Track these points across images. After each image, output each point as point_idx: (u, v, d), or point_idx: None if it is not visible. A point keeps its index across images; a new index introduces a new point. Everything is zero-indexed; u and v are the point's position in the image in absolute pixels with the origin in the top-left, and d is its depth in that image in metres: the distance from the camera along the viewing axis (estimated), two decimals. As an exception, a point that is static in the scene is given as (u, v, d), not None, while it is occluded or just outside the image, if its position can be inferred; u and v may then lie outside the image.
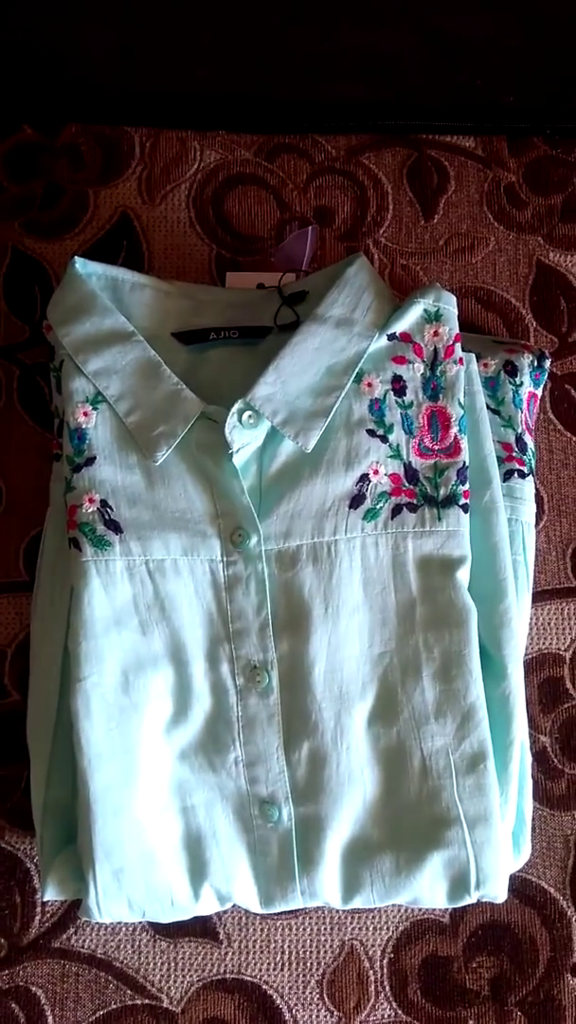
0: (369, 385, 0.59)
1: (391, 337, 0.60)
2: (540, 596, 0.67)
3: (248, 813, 0.59)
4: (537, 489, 0.66)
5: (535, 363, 0.64)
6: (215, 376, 0.63)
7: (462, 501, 0.59)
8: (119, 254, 0.71)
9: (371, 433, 0.59)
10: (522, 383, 0.64)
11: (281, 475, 0.58)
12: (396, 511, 0.59)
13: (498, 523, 0.60)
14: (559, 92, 0.73)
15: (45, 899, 0.61)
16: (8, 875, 0.64)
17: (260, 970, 0.64)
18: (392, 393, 0.59)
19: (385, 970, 0.64)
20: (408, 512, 0.59)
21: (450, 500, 0.59)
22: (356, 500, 0.58)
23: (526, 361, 0.64)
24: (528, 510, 0.63)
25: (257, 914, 0.63)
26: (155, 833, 0.58)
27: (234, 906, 0.60)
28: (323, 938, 0.64)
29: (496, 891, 0.58)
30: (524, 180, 0.74)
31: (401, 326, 0.60)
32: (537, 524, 0.66)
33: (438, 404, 0.60)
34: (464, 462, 0.59)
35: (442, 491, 0.59)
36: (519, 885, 0.64)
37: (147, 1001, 0.63)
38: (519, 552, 0.62)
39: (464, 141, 0.74)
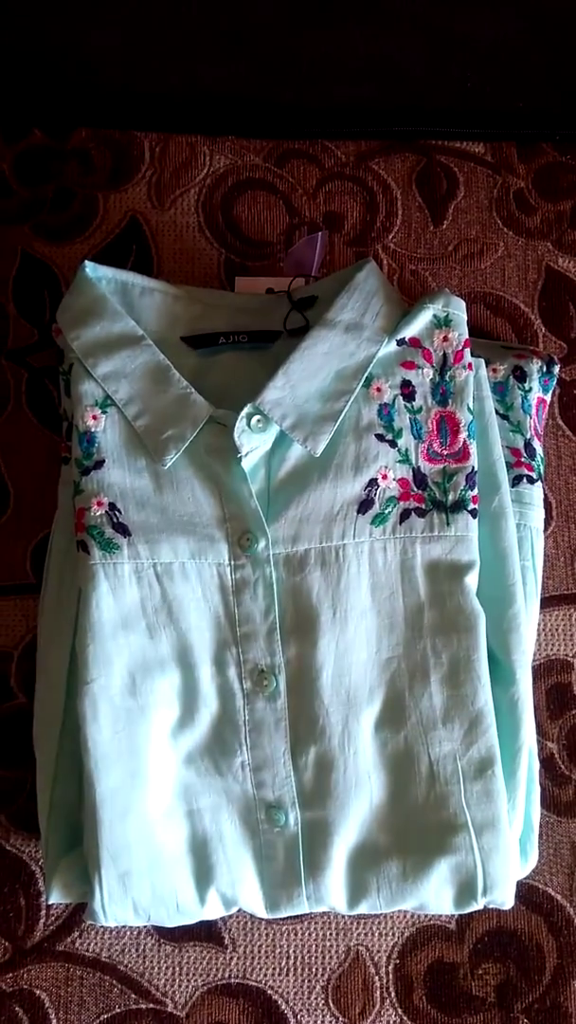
0: (378, 390, 0.59)
1: (400, 342, 0.60)
2: (548, 602, 0.67)
3: (254, 818, 0.59)
4: (546, 494, 0.66)
5: (544, 368, 0.64)
6: (224, 380, 0.63)
7: (471, 506, 0.59)
8: (128, 258, 0.71)
9: (380, 438, 0.59)
10: (531, 388, 0.64)
11: (290, 479, 0.59)
12: (405, 516, 0.59)
13: (507, 528, 0.60)
14: (568, 98, 0.73)
15: (50, 902, 0.61)
16: (13, 878, 0.64)
17: (265, 975, 0.64)
18: (401, 398, 0.59)
19: (391, 976, 0.63)
20: (417, 517, 0.59)
21: (459, 505, 0.59)
22: (364, 505, 0.58)
23: (535, 366, 0.64)
24: (537, 515, 0.63)
25: (262, 919, 0.63)
26: (161, 837, 0.58)
27: (239, 911, 0.60)
28: (329, 943, 0.64)
29: (503, 897, 0.57)
30: (533, 186, 0.74)
31: (410, 331, 0.60)
32: (545, 529, 0.66)
33: (447, 409, 0.60)
34: (473, 467, 0.59)
35: (451, 496, 0.59)
36: (526, 892, 0.64)
37: (151, 1005, 0.63)
38: (528, 558, 0.62)
39: (473, 147, 0.74)
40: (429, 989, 0.63)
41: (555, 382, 0.66)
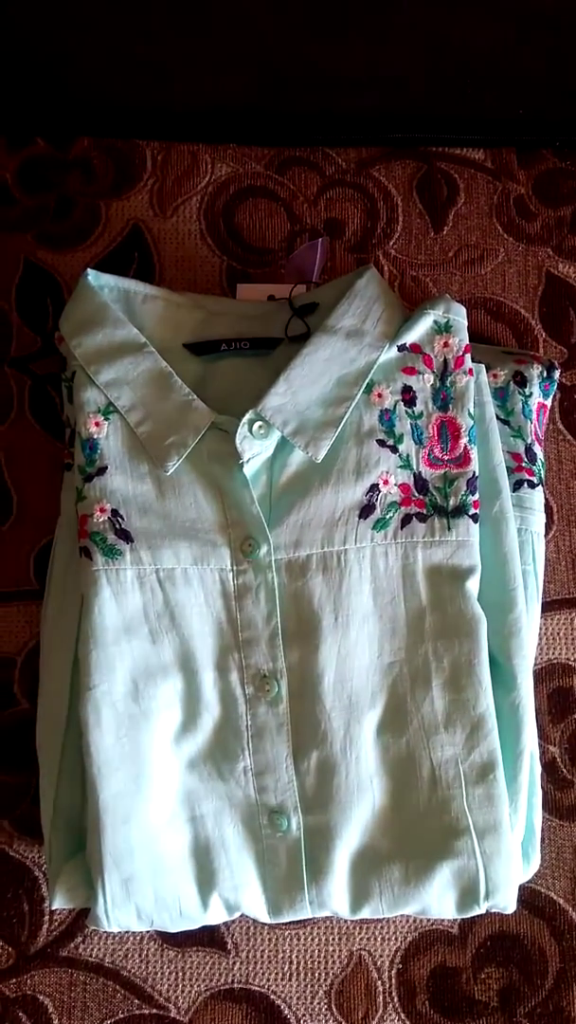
0: (379, 396, 0.60)
1: (401, 348, 0.60)
2: (550, 606, 0.67)
3: (257, 822, 0.59)
4: (547, 499, 0.67)
5: (544, 374, 0.65)
6: (226, 387, 0.63)
7: (472, 511, 0.59)
8: (131, 266, 0.72)
9: (381, 443, 0.59)
10: (531, 393, 0.64)
11: (291, 485, 0.59)
12: (406, 521, 0.59)
13: (508, 533, 0.60)
14: (568, 104, 0.73)
15: (53, 907, 0.61)
16: (16, 883, 0.64)
17: (268, 980, 0.64)
18: (402, 403, 0.60)
19: (393, 981, 0.63)
20: (418, 522, 0.59)
21: (460, 510, 0.59)
22: (366, 510, 0.59)
23: (535, 372, 0.64)
24: (538, 520, 0.63)
25: (265, 924, 0.63)
26: (164, 842, 0.58)
27: (242, 916, 0.60)
28: (331, 948, 0.64)
29: (505, 902, 0.58)
30: (533, 192, 0.74)
31: (411, 337, 0.60)
32: (547, 534, 0.66)
33: (448, 414, 0.60)
34: (474, 472, 0.59)
35: (452, 501, 0.59)
36: (528, 896, 0.64)
37: (155, 1010, 0.63)
38: (529, 562, 0.62)
39: (473, 153, 0.74)
40: (432, 994, 0.63)
41: (556, 387, 0.66)
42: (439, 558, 0.59)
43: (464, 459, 0.59)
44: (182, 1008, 0.63)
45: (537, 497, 0.64)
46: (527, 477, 0.63)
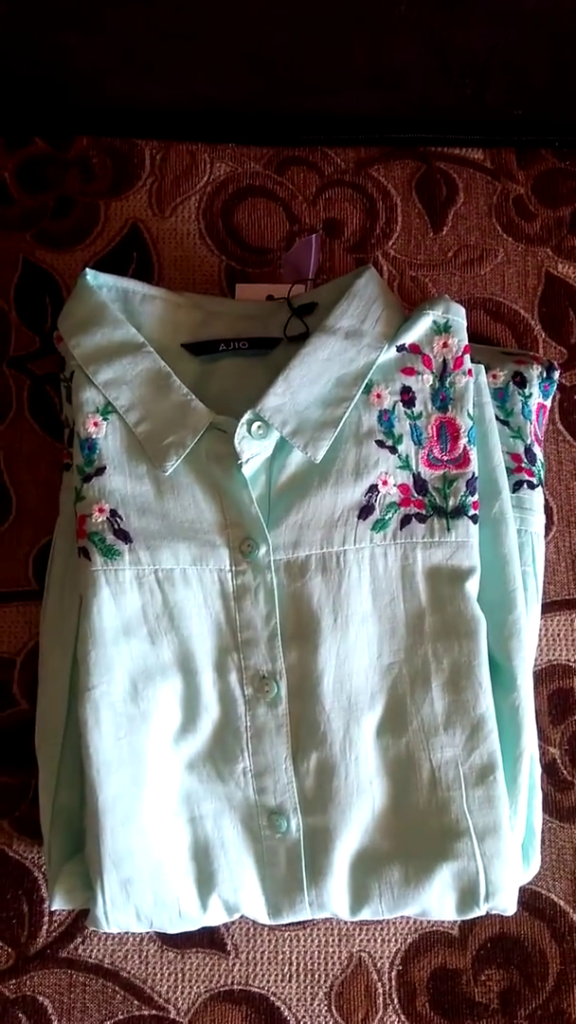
0: (378, 396, 0.59)
1: (400, 348, 0.60)
2: (549, 607, 0.67)
3: (256, 824, 0.59)
4: (546, 500, 0.66)
5: (544, 374, 0.64)
6: (225, 387, 0.63)
7: (471, 512, 0.59)
8: (129, 266, 0.72)
9: (380, 444, 0.59)
10: (531, 394, 0.64)
11: (290, 485, 0.59)
12: (405, 521, 0.59)
13: (507, 534, 0.60)
14: (567, 104, 0.73)
15: (53, 908, 0.61)
16: (16, 884, 0.64)
17: (268, 981, 0.63)
18: (401, 404, 0.60)
19: (393, 982, 0.63)
20: (417, 523, 0.59)
21: (459, 511, 0.59)
22: (365, 510, 0.58)
23: (535, 372, 0.64)
24: (537, 521, 0.63)
25: (265, 925, 0.63)
26: (163, 843, 0.58)
27: (242, 917, 0.60)
28: (331, 950, 0.64)
29: (505, 903, 0.57)
30: (533, 192, 0.74)
31: (410, 337, 0.60)
32: (546, 535, 0.66)
33: (447, 415, 0.60)
34: (473, 473, 0.59)
35: (451, 502, 0.59)
36: (529, 898, 0.64)
37: (154, 1012, 0.63)
38: (528, 563, 0.62)
39: (473, 153, 0.74)
40: (432, 996, 0.63)
41: (555, 387, 0.66)
42: (438, 559, 0.58)
43: (463, 460, 0.59)
44: (182, 1009, 0.63)
45: (537, 498, 0.64)
46: (527, 478, 0.63)
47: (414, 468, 0.59)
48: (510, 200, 0.73)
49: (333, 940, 0.64)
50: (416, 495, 0.59)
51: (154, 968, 0.64)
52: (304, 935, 0.64)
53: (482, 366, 0.62)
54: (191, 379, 0.61)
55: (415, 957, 0.64)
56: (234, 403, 0.58)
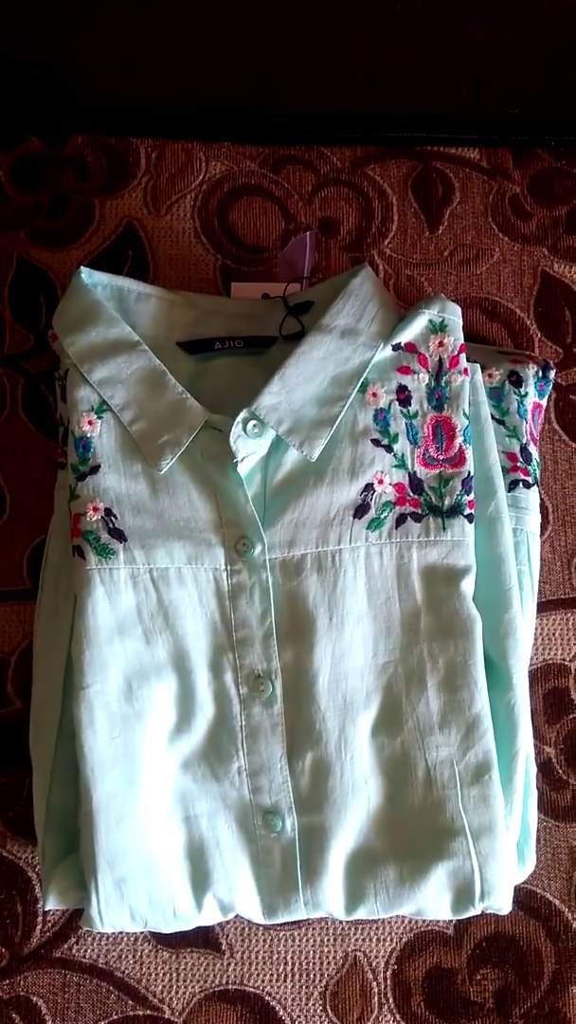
0: (374, 395, 0.59)
1: (396, 347, 0.60)
2: (545, 607, 0.67)
3: (251, 823, 0.59)
4: (542, 499, 0.67)
5: (540, 374, 0.64)
6: (220, 386, 0.63)
7: (467, 511, 0.59)
8: (124, 264, 0.71)
9: (376, 443, 0.59)
10: (527, 393, 0.64)
11: (285, 484, 0.59)
12: (401, 520, 0.59)
13: (503, 533, 0.60)
14: (563, 104, 0.73)
15: (46, 908, 0.61)
16: (9, 884, 0.64)
17: (263, 981, 0.63)
18: (397, 403, 0.60)
19: (389, 982, 0.63)
20: (413, 522, 0.59)
21: (455, 510, 0.59)
22: (360, 509, 0.58)
23: (531, 372, 0.64)
24: (533, 520, 0.63)
25: (260, 925, 0.62)
26: (158, 842, 0.58)
27: (237, 916, 0.60)
28: (326, 949, 0.64)
29: (501, 902, 0.57)
30: (529, 192, 0.74)
31: (406, 336, 0.60)
32: (542, 534, 0.66)
33: (443, 414, 0.60)
34: (469, 472, 0.59)
35: (447, 501, 0.59)
36: (524, 897, 0.64)
37: (149, 1012, 0.63)
38: (524, 562, 0.62)
39: (469, 153, 0.74)
40: (427, 995, 0.63)
41: (551, 387, 0.66)
42: (434, 558, 0.58)
43: (459, 459, 0.59)
44: (176, 1009, 0.63)
45: (532, 497, 0.64)
46: (522, 477, 0.63)
47: (410, 467, 0.59)
48: (506, 199, 0.74)
49: (328, 940, 0.64)
50: (412, 494, 0.59)
51: (149, 968, 0.63)
52: (299, 935, 0.64)
53: (478, 365, 0.62)
54: (186, 378, 0.61)
55: (410, 956, 0.64)
56: (229, 402, 0.58)
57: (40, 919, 0.64)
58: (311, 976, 0.63)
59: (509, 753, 0.58)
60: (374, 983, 0.63)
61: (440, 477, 0.59)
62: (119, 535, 0.58)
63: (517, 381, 0.64)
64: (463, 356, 0.60)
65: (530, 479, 0.63)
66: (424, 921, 0.64)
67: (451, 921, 0.64)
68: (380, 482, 0.59)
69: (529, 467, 0.63)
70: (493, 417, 0.63)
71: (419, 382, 0.60)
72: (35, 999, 0.63)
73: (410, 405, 0.60)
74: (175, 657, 0.58)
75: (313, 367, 0.58)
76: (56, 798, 0.59)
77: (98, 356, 0.59)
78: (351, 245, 0.72)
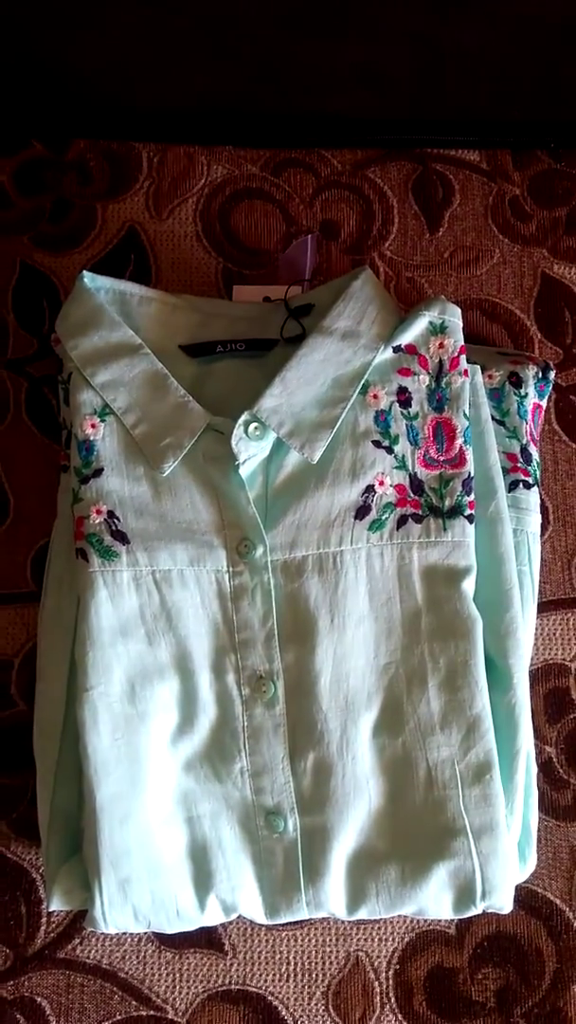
0: (375, 397, 0.60)
1: (396, 349, 0.60)
2: (545, 607, 0.67)
3: (253, 823, 0.59)
4: (542, 500, 0.67)
5: (540, 375, 0.65)
6: (222, 388, 0.63)
7: (467, 512, 0.59)
8: (127, 268, 0.72)
9: (376, 444, 0.59)
10: (527, 394, 0.64)
11: (287, 486, 0.59)
12: (401, 522, 0.59)
13: (503, 533, 0.60)
14: (562, 106, 0.74)
15: (50, 909, 0.61)
16: (14, 885, 0.64)
17: (265, 981, 0.64)
18: (397, 404, 0.60)
19: (391, 981, 0.63)
20: (413, 523, 0.59)
21: (455, 511, 0.59)
22: (362, 511, 0.59)
23: (531, 373, 0.64)
24: (533, 520, 0.63)
25: (262, 925, 0.63)
26: (161, 843, 0.58)
27: (239, 917, 0.60)
28: (328, 949, 0.64)
29: (502, 902, 0.58)
30: (528, 193, 0.74)
31: (406, 338, 0.60)
32: (542, 534, 0.66)
33: (443, 415, 0.60)
34: (469, 473, 0.59)
35: (447, 502, 0.59)
36: (525, 896, 0.64)
37: (152, 1012, 0.63)
38: (524, 562, 0.62)
39: (469, 155, 0.74)
40: (429, 994, 0.63)
41: (551, 388, 0.66)
42: (435, 559, 0.59)
43: (460, 460, 0.59)
44: (179, 1009, 0.63)
45: (533, 498, 0.64)
46: (523, 478, 0.63)
47: (410, 468, 0.59)
48: (506, 201, 0.74)
49: (330, 939, 0.64)
50: (412, 495, 0.59)
51: (152, 968, 0.64)
52: (301, 935, 0.64)
53: (478, 366, 0.62)
54: (188, 381, 0.61)
55: (412, 956, 0.64)
56: (231, 404, 0.59)
57: (44, 920, 0.64)
58: (313, 976, 0.64)
59: (510, 753, 0.58)
60: (376, 983, 0.64)
61: (441, 478, 0.59)
62: (122, 537, 0.58)
63: (517, 382, 0.64)
64: (463, 357, 0.60)
65: (530, 480, 0.64)
66: (426, 921, 0.64)
67: (452, 921, 0.64)
68: (381, 483, 0.59)
69: (529, 468, 0.64)
70: (493, 418, 0.63)
71: (419, 384, 0.60)
72: (39, 1000, 0.63)
73: (410, 406, 0.60)
74: (178, 658, 0.59)
75: (314, 369, 0.59)
76: (60, 799, 0.59)
77: (101, 360, 0.59)
78: (352, 247, 0.73)
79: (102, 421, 0.59)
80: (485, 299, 0.72)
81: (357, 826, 0.58)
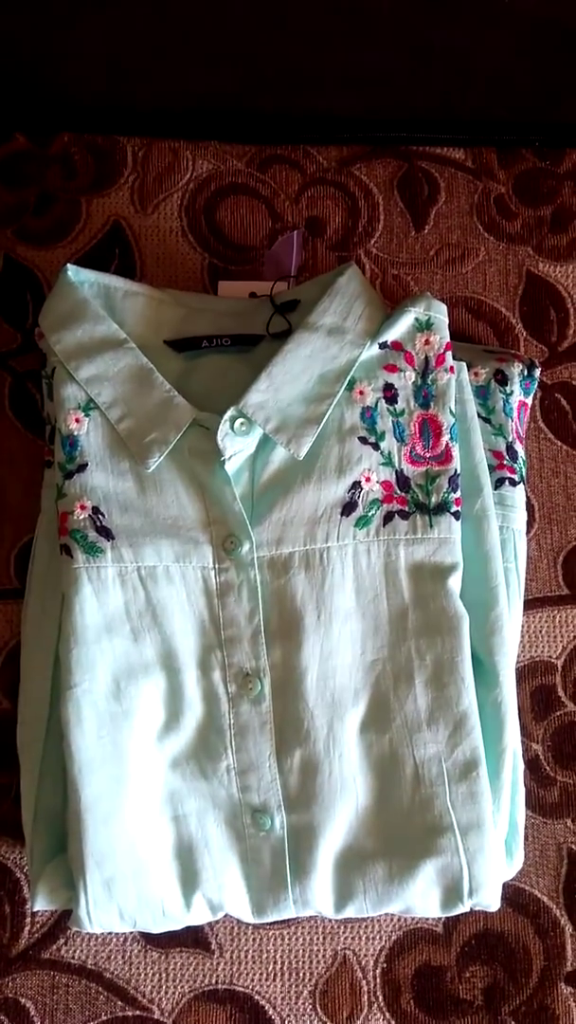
0: (361, 393, 0.60)
1: (382, 345, 0.60)
2: (532, 604, 0.67)
3: (240, 822, 0.58)
4: (528, 497, 0.67)
5: (525, 372, 0.65)
6: (207, 384, 0.63)
7: (453, 508, 0.59)
8: (111, 262, 0.71)
9: (363, 440, 0.59)
10: (512, 392, 0.64)
11: (273, 482, 0.59)
12: (388, 518, 0.59)
13: (489, 530, 0.60)
14: (547, 105, 0.74)
15: (35, 909, 0.61)
16: (-2, 886, 0.64)
17: (252, 980, 0.63)
18: (384, 401, 0.60)
19: (378, 980, 0.63)
20: (400, 519, 0.59)
21: (442, 507, 0.59)
22: (348, 507, 0.58)
23: (516, 370, 0.64)
24: (519, 518, 0.64)
25: (249, 924, 0.62)
26: (147, 842, 0.58)
27: (226, 916, 0.60)
28: (316, 948, 0.64)
29: (489, 899, 0.58)
30: (514, 192, 0.74)
31: (392, 335, 0.60)
32: (528, 532, 0.66)
33: (429, 412, 0.60)
34: (455, 470, 0.59)
35: (434, 498, 0.59)
36: (512, 894, 0.64)
37: (138, 1012, 0.63)
38: (510, 559, 0.62)
39: (454, 153, 0.74)
40: (417, 993, 0.63)
41: (536, 385, 0.66)
42: (421, 555, 0.59)
43: (446, 456, 0.59)
44: (166, 1009, 0.63)
45: (518, 495, 0.64)
46: (508, 475, 0.63)
47: (397, 465, 0.59)
48: (491, 199, 0.74)
49: (317, 938, 0.64)
50: (399, 492, 0.59)
51: (138, 968, 0.63)
52: (288, 933, 0.64)
53: (464, 363, 0.63)
54: (174, 376, 0.61)
55: (400, 954, 0.64)
56: (217, 400, 0.58)
57: (28, 920, 0.64)
58: (301, 975, 0.63)
59: (496, 750, 0.58)
60: (363, 981, 0.63)
61: (427, 475, 0.59)
62: (107, 533, 0.58)
63: (503, 379, 0.64)
64: (449, 354, 0.60)
65: (516, 477, 0.64)
66: (413, 919, 0.64)
67: (440, 919, 0.64)
68: (367, 480, 0.59)
69: (515, 465, 0.64)
70: (479, 415, 0.63)
71: (406, 380, 0.60)
72: (23, 1000, 0.63)
73: (397, 403, 0.60)
74: (163, 655, 0.58)
75: (300, 365, 0.59)
76: (44, 798, 0.59)
77: (85, 354, 0.59)
78: (337, 244, 0.73)
79: (86, 416, 0.59)
80: (471, 297, 0.72)
81: (344, 824, 0.58)
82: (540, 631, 0.68)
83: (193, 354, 0.64)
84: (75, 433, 0.59)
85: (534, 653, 0.67)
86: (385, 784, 0.58)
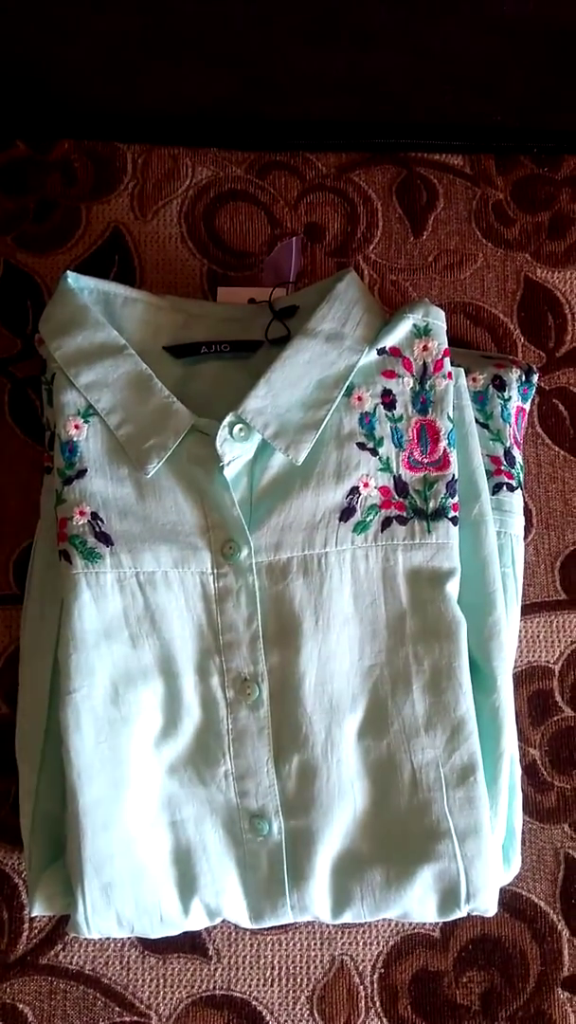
0: (359, 399, 0.60)
1: (381, 351, 0.60)
2: (529, 609, 0.68)
3: (238, 827, 0.58)
4: (525, 502, 0.67)
5: (523, 378, 0.65)
6: (206, 390, 0.63)
7: (451, 514, 0.59)
8: (111, 269, 0.71)
9: (361, 446, 0.59)
10: (510, 397, 0.64)
11: (272, 488, 0.59)
12: (386, 524, 0.59)
13: (487, 536, 0.60)
14: (545, 112, 0.74)
15: (33, 915, 0.61)
16: (-4, 891, 0.64)
17: (250, 986, 0.63)
18: (382, 407, 0.60)
19: (375, 985, 0.63)
20: (398, 525, 0.59)
21: (439, 513, 0.59)
22: (346, 513, 0.59)
23: (514, 376, 0.64)
24: (517, 523, 0.64)
25: (247, 929, 0.62)
26: (144, 847, 0.58)
27: (224, 921, 0.60)
28: (313, 953, 0.64)
29: (486, 904, 0.58)
30: (511, 198, 0.74)
31: (391, 340, 0.60)
32: (525, 537, 0.67)
33: (427, 418, 0.60)
34: (453, 475, 0.59)
35: (431, 504, 0.59)
36: (509, 899, 0.64)
37: (135, 1018, 0.63)
38: (508, 565, 0.62)
39: (452, 159, 0.75)
40: (414, 998, 0.63)
41: (534, 391, 0.67)
42: (419, 561, 0.59)
43: (443, 462, 0.60)
44: (163, 1015, 0.63)
45: (516, 500, 0.64)
46: (506, 480, 0.64)
47: (395, 470, 0.59)
48: (489, 205, 0.74)
49: (315, 944, 0.64)
50: (397, 497, 0.59)
51: (135, 974, 0.63)
52: (286, 939, 0.64)
53: (462, 369, 0.63)
54: (173, 382, 0.61)
55: (397, 960, 0.64)
56: (216, 406, 0.58)
57: (26, 926, 0.64)
58: (298, 980, 0.63)
59: (494, 755, 0.58)
60: (361, 987, 0.63)
61: (425, 480, 0.59)
62: (105, 539, 0.58)
63: (501, 385, 0.64)
64: (447, 360, 0.61)
65: (514, 482, 0.64)
66: (410, 924, 0.64)
67: (437, 924, 0.64)
68: (365, 485, 0.59)
69: (513, 470, 0.64)
70: (477, 421, 0.63)
71: (404, 386, 0.60)
72: (21, 1006, 0.63)
73: (395, 409, 0.60)
74: (161, 661, 0.58)
75: (299, 371, 0.59)
76: (43, 804, 0.59)
77: (84, 360, 0.59)
78: (336, 250, 0.73)
79: (86, 422, 0.59)
80: (469, 303, 0.72)
81: (342, 829, 0.58)
82: (538, 636, 0.68)
83: (192, 360, 0.64)
84: (74, 439, 0.59)
85: (532, 658, 0.67)
86: (383, 789, 0.58)
